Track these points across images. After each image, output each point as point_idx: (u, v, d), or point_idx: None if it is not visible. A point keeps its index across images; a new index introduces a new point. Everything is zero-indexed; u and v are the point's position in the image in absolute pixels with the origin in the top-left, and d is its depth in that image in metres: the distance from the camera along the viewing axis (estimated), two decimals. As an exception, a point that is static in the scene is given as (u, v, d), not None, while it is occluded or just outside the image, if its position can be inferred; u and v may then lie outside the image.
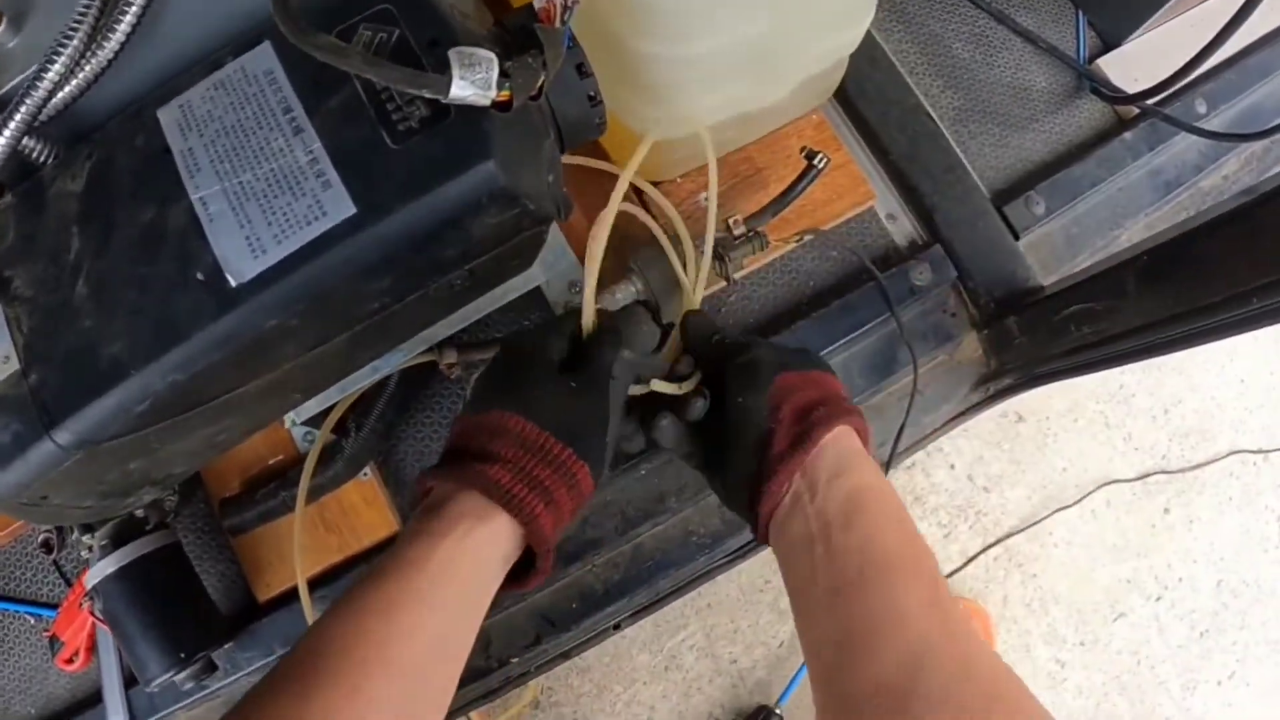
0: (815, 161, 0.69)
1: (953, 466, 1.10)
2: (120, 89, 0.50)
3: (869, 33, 0.80)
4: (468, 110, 0.44)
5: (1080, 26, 0.89)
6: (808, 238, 0.72)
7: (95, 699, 0.76)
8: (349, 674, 0.41)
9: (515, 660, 0.70)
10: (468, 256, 0.51)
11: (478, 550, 0.47)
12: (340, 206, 0.45)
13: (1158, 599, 1.10)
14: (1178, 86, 0.82)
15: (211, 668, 0.67)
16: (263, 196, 0.46)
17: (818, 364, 0.57)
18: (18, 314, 0.48)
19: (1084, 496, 1.10)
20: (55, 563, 0.80)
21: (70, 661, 0.76)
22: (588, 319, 0.55)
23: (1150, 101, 0.83)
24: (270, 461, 0.71)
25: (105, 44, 0.46)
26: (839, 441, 0.52)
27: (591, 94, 0.52)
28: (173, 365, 0.46)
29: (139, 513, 0.67)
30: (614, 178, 0.57)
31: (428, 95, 0.40)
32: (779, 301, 0.74)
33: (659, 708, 1.04)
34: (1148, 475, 1.11)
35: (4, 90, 0.49)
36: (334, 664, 0.41)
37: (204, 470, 0.72)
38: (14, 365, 0.47)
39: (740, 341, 0.58)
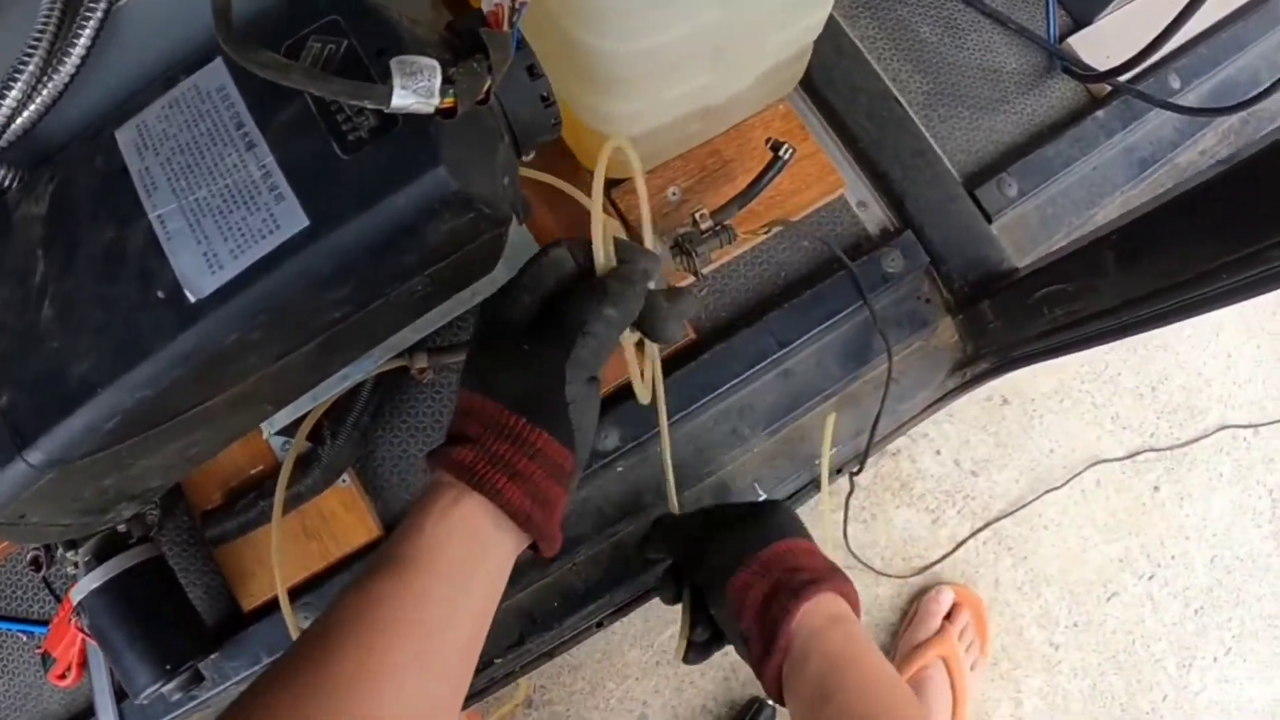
0: (781, 153, 0.70)
1: (939, 452, 1.11)
2: (80, 111, 0.51)
3: (834, 20, 0.81)
4: (415, 118, 0.45)
5: (1050, 5, 0.90)
6: (776, 229, 0.74)
7: (89, 713, 0.78)
8: (364, 634, 0.43)
9: (500, 660, 0.71)
10: (426, 262, 0.52)
11: (462, 522, 0.49)
12: (294, 219, 0.46)
13: (1150, 577, 1.12)
14: (1150, 62, 0.83)
15: (198, 678, 0.69)
16: (218, 212, 0.47)
17: (772, 530, 0.60)
18: None
19: (1073, 477, 1.11)
20: (44, 580, 0.82)
21: (63, 677, 0.78)
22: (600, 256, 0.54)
23: (1122, 79, 0.84)
24: (250, 472, 0.73)
25: (61, 67, 0.48)
26: (806, 623, 0.55)
27: (544, 95, 0.53)
28: (138, 382, 0.48)
29: (121, 528, 0.68)
30: (577, 178, 0.58)
31: (370, 106, 0.42)
32: (751, 294, 0.76)
33: (652, 703, 1.06)
34: (1136, 454, 1.13)
35: (-38, 117, 0.50)
36: (349, 629, 0.44)
37: (185, 483, 0.74)
38: None
39: (692, 548, 0.62)
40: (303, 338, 0.52)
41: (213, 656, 0.69)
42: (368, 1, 0.49)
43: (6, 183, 0.51)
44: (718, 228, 0.70)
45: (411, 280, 0.53)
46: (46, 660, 0.79)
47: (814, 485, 0.75)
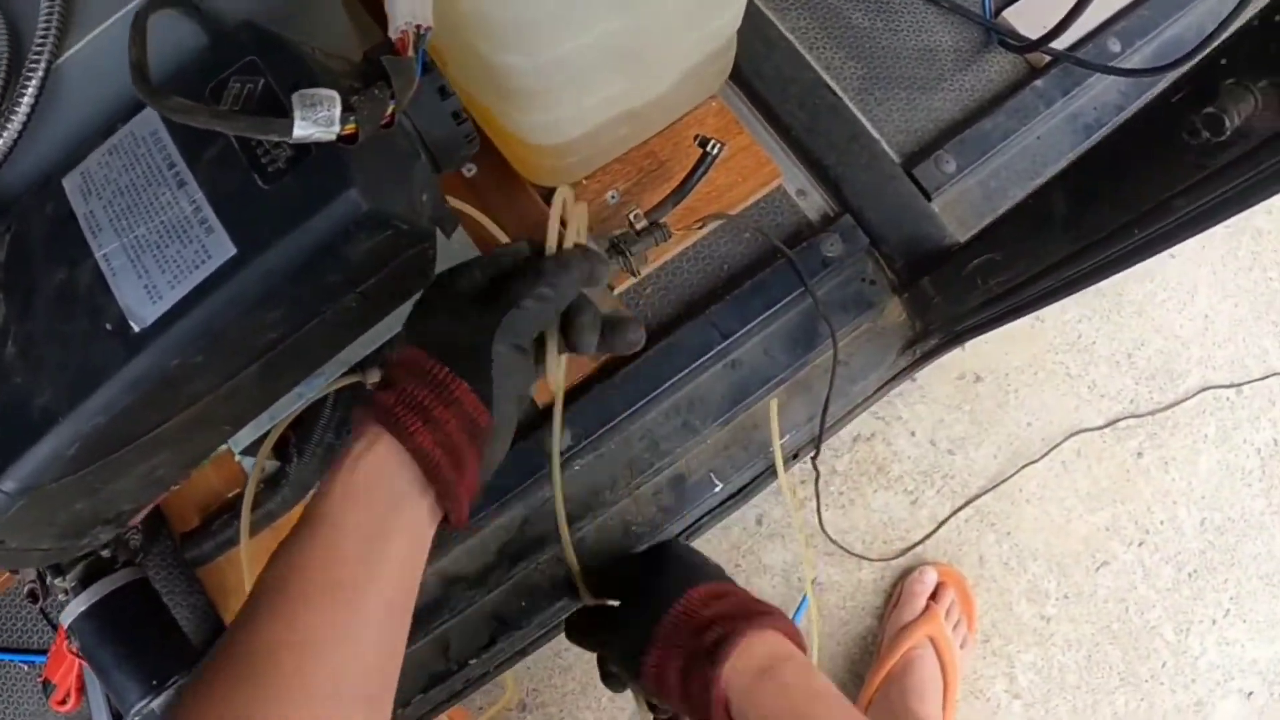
0: (709, 149, 0.75)
1: (913, 433, 1.15)
2: (30, 164, 0.57)
3: (760, 14, 0.86)
4: (327, 147, 0.51)
5: (983, -19, 0.94)
6: (713, 224, 0.78)
7: None
8: (282, 605, 0.47)
9: (474, 661, 0.76)
10: (354, 281, 0.57)
11: (374, 469, 0.51)
12: (222, 248, 0.52)
13: (1140, 544, 1.15)
14: (1090, 30, 0.87)
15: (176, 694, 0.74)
16: (156, 247, 0.53)
17: (664, 590, 0.62)
18: None
19: (1052, 449, 1.15)
20: (41, 610, 0.88)
21: (63, 703, 0.84)
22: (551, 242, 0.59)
23: (1060, 47, 0.88)
24: (226, 495, 0.78)
25: (9, 124, 0.54)
26: (735, 684, 0.56)
27: (455, 112, 0.59)
28: (94, 409, 0.53)
29: (105, 553, 0.74)
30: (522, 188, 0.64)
31: (275, 138, 0.47)
32: (695, 288, 0.80)
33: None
34: (1116, 421, 1.16)
35: (-79, 176, 0.56)
36: (270, 599, 0.47)
37: (165, 507, 0.79)
38: None
39: (604, 629, 0.66)
40: (244, 359, 0.57)
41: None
42: (285, 41, 0.55)
43: (-37, 235, 0.57)
44: (651, 226, 0.74)
45: (343, 298, 0.58)
46: (47, 687, 0.85)
47: (771, 472, 0.80)
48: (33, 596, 0.86)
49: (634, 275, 0.74)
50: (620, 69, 0.67)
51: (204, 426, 0.63)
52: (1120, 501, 1.15)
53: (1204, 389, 1.17)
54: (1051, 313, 1.15)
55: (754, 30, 0.81)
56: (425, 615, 0.75)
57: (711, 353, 0.76)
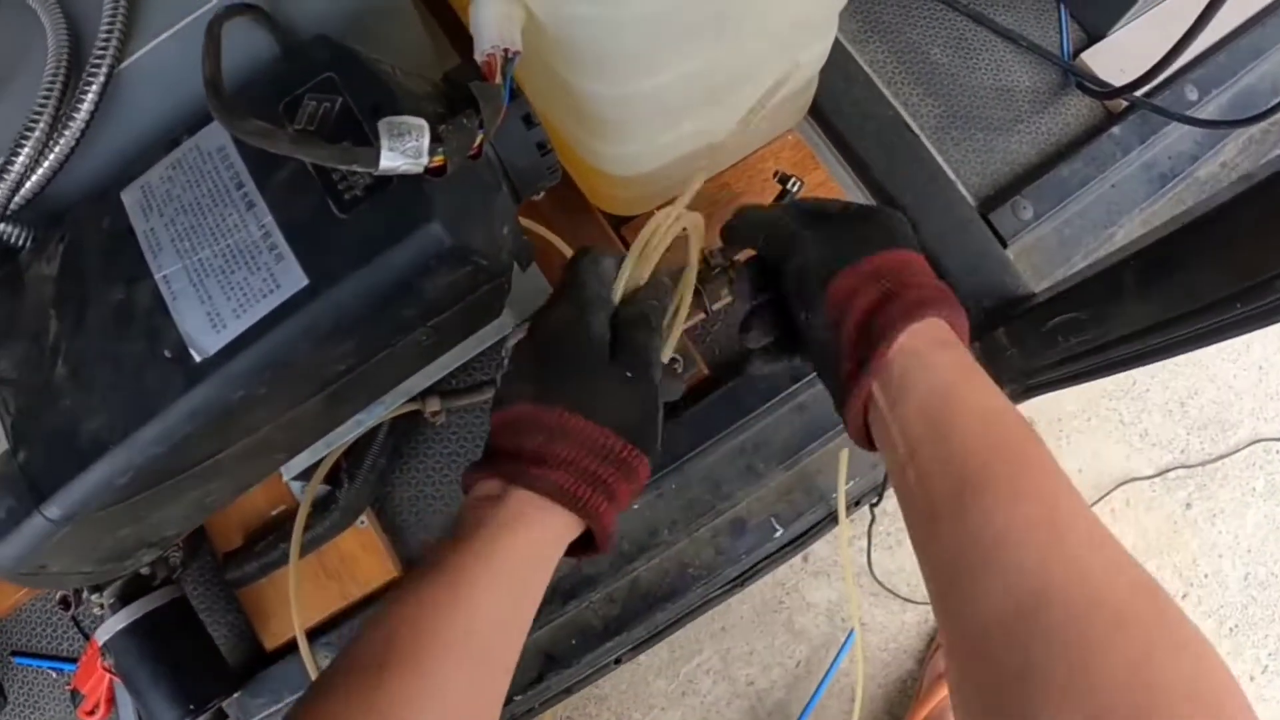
0: (789, 185, 0.69)
1: (965, 473, 1.09)
2: (88, 172, 0.52)
3: (841, 46, 0.80)
4: (409, 176, 0.45)
5: (1063, 21, 0.88)
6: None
7: None
8: (419, 659, 0.42)
9: (520, 698, 0.71)
10: (428, 315, 0.52)
11: (537, 544, 0.48)
12: (293, 278, 0.46)
13: (1183, 596, 1.08)
14: (1166, 75, 0.81)
15: (221, 716, 0.69)
16: (221, 272, 0.47)
17: (878, 237, 0.51)
18: (4, 396, 0.50)
19: (1102, 497, 1.08)
20: (74, 618, 0.83)
21: (91, 714, 0.79)
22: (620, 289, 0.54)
23: (1138, 93, 0.82)
24: (271, 514, 0.73)
25: (67, 130, 0.48)
26: (912, 343, 0.46)
27: (540, 142, 0.53)
28: (149, 439, 0.48)
29: (144, 570, 0.69)
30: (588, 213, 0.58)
31: (359, 169, 0.41)
32: None
33: (679, 732, 1.05)
34: (1167, 471, 1.09)
35: (-23, 181, 0.51)
36: (404, 650, 0.42)
37: (208, 525, 0.74)
38: (3, 445, 0.49)
39: (785, 235, 0.53)
40: (309, 391, 0.52)
41: (235, 695, 0.69)
42: (362, 57, 0.49)
43: (19, 243, 0.51)
44: (726, 264, 0.68)
45: (414, 332, 0.53)
46: (76, 697, 0.80)
47: (832, 519, 0.73)
48: (65, 604, 0.81)
49: (706, 314, 0.68)
50: (703, 106, 0.61)
51: (260, 454, 0.57)
52: (1166, 552, 1.09)
53: (1255, 441, 1.10)
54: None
55: (834, 64, 0.75)
56: None
57: (780, 395, 0.70)
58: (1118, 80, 0.84)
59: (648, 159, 0.64)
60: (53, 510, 0.48)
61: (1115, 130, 0.82)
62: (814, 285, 0.50)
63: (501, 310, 0.60)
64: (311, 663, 0.66)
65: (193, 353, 0.47)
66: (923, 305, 0.47)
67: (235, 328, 0.47)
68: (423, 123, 0.43)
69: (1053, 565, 0.37)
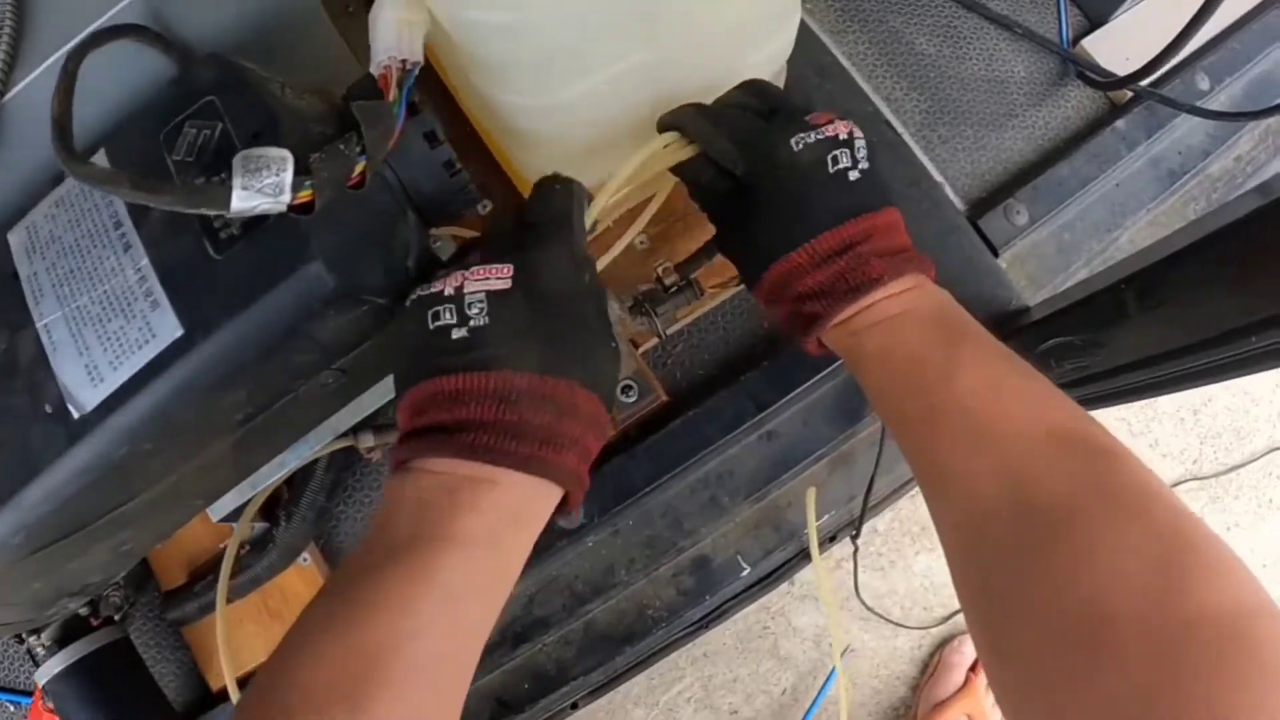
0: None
1: (968, 487, 1.03)
2: (-22, 214, 0.49)
3: (815, 37, 0.75)
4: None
5: (1062, 5, 0.81)
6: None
7: None
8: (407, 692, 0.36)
9: None
10: (329, 358, 0.48)
11: (530, 535, 0.43)
12: (168, 327, 0.43)
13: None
14: (1175, 62, 0.74)
15: None
16: (98, 321, 0.45)
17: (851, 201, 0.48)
18: None
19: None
20: (28, 651, 0.81)
21: (45, 751, 0.78)
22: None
23: (1144, 82, 0.75)
24: (218, 548, 0.71)
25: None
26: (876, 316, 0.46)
27: (447, 161, 0.49)
28: (35, 499, 0.46)
29: (83, 611, 0.67)
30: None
31: (210, 213, 0.38)
32: (730, 349, 0.70)
33: (665, 762, 1.01)
34: (1179, 483, 1.02)
35: None
36: (388, 679, 0.36)
37: (152, 562, 0.72)
38: None
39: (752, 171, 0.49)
40: (206, 441, 0.49)
41: None
42: (250, 78, 0.45)
43: (-98, 291, 0.48)
44: (683, 283, 0.64)
45: (316, 375, 0.49)
46: None
47: (804, 555, 0.69)
48: (19, 638, 0.79)
49: (659, 337, 0.63)
50: (645, 107, 0.56)
51: (171, 503, 0.54)
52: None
53: (1272, 450, 1.03)
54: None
55: (806, 56, 0.70)
56: None
57: (746, 424, 0.66)
58: (1122, 69, 0.77)
59: (587, 171, 0.59)
60: None
61: (1119, 124, 0.76)
62: (749, 268, 0.50)
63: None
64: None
65: (71, 409, 0.44)
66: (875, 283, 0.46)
67: (112, 381, 0.44)
68: (285, 154, 0.39)
69: None
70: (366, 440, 0.62)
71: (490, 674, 0.67)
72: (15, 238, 0.48)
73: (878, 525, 0.99)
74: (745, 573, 0.67)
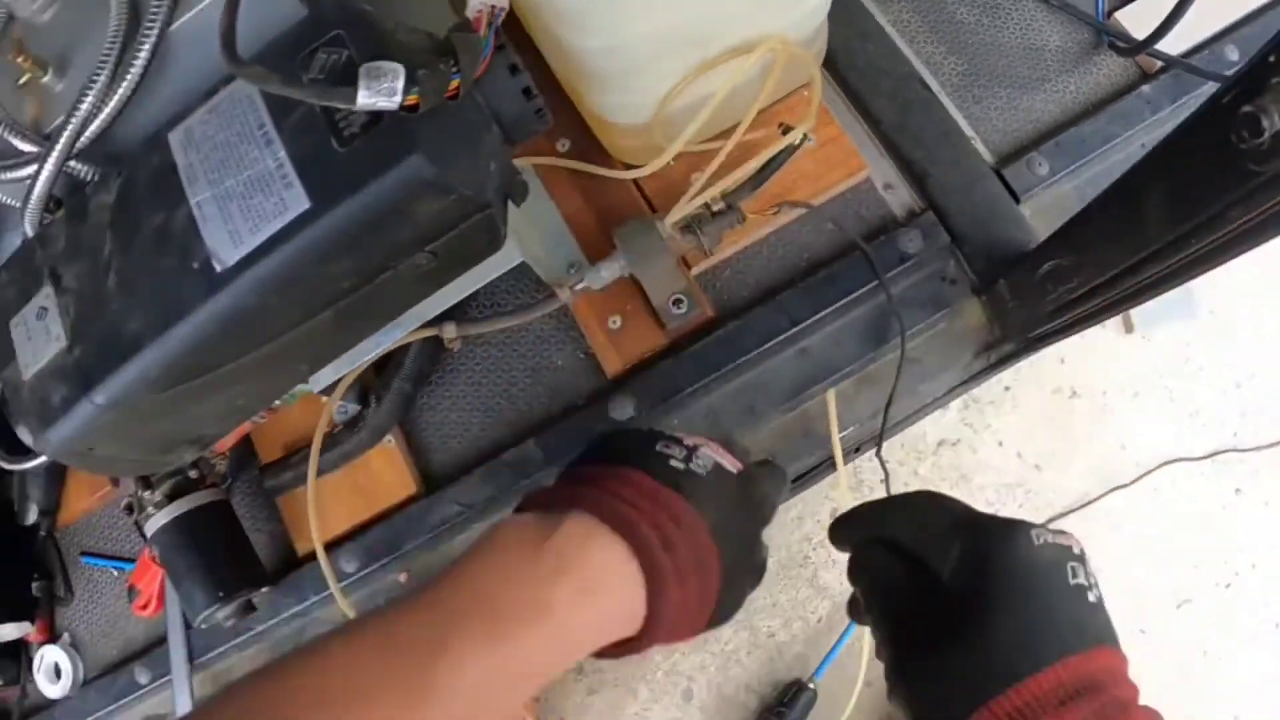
0: (793, 139, 0.76)
1: (1001, 443, 1.13)
2: (142, 120, 0.64)
3: (860, 6, 0.86)
4: (396, 116, 0.55)
5: (1100, -22, 0.91)
6: (790, 211, 0.79)
7: (159, 644, 0.94)
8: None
9: None
10: (422, 240, 0.61)
11: (619, 608, 0.48)
12: (298, 202, 0.56)
13: (1227, 586, 1.09)
14: (1209, 36, 0.83)
15: (250, 608, 0.81)
16: (241, 197, 0.59)
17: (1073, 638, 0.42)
18: (66, 303, 0.62)
19: (1144, 475, 1.10)
20: (135, 523, 0.97)
21: (144, 608, 0.94)
22: None
23: (1176, 53, 0.85)
24: (312, 432, 0.84)
25: (124, 82, 0.60)
26: None
27: (526, 88, 0.62)
28: (178, 339, 0.59)
29: (193, 474, 0.81)
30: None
31: (339, 105, 0.52)
32: (772, 275, 0.81)
33: (697, 678, 1.13)
34: (1216, 454, 1.10)
35: (54, 125, 0.64)
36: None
37: (255, 440, 0.86)
38: (63, 343, 0.61)
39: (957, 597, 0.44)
40: (317, 305, 0.62)
41: (265, 591, 0.81)
42: (370, 17, 0.59)
43: (87, 178, 0.64)
44: (726, 209, 0.76)
45: (412, 256, 0.63)
46: (132, 593, 0.94)
47: (831, 463, 0.80)
48: (129, 509, 0.95)
49: (707, 254, 0.76)
50: (691, 56, 0.69)
51: (281, 364, 0.68)
52: (1211, 539, 1.10)
53: (1312, 430, 1.10)
54: (1161, 330, 1.11)
55: (850, 20, 0.81)
56: None
57: (781, 338, 0.77)
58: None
59: (646, 109, 0.72)
60: (99, 397, 0.59)
61: (1145, 88, 0.85)
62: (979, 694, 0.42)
63: (501, 243, 0.69)
64: (329, 569, 0.77)
65: (215, 264, 0.58)
66: None
67: (250, 243, 0.58)
68: (399, 66, 0.53)
69: None
70: (449, 330, 0.75)
71: None
72: (174, 137, 0.62)
73: (918, 469, 1.10)
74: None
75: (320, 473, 0.80)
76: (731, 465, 0.54)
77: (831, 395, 0.75)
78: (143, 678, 0.93)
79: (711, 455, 0.53)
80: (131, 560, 0.97)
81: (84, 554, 1.03)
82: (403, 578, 0.83)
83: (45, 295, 0.63)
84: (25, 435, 0.62)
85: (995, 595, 0.41)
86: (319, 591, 0.81)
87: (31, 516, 1.01)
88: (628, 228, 0.74)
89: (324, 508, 0.81)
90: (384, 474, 0.80)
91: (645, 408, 0.76)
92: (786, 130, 0.76)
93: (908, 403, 0.79)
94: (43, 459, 0.93)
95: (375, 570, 0.80)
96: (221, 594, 0.77)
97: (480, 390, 0.82)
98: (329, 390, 0.76)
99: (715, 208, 0.76)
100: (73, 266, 0.62)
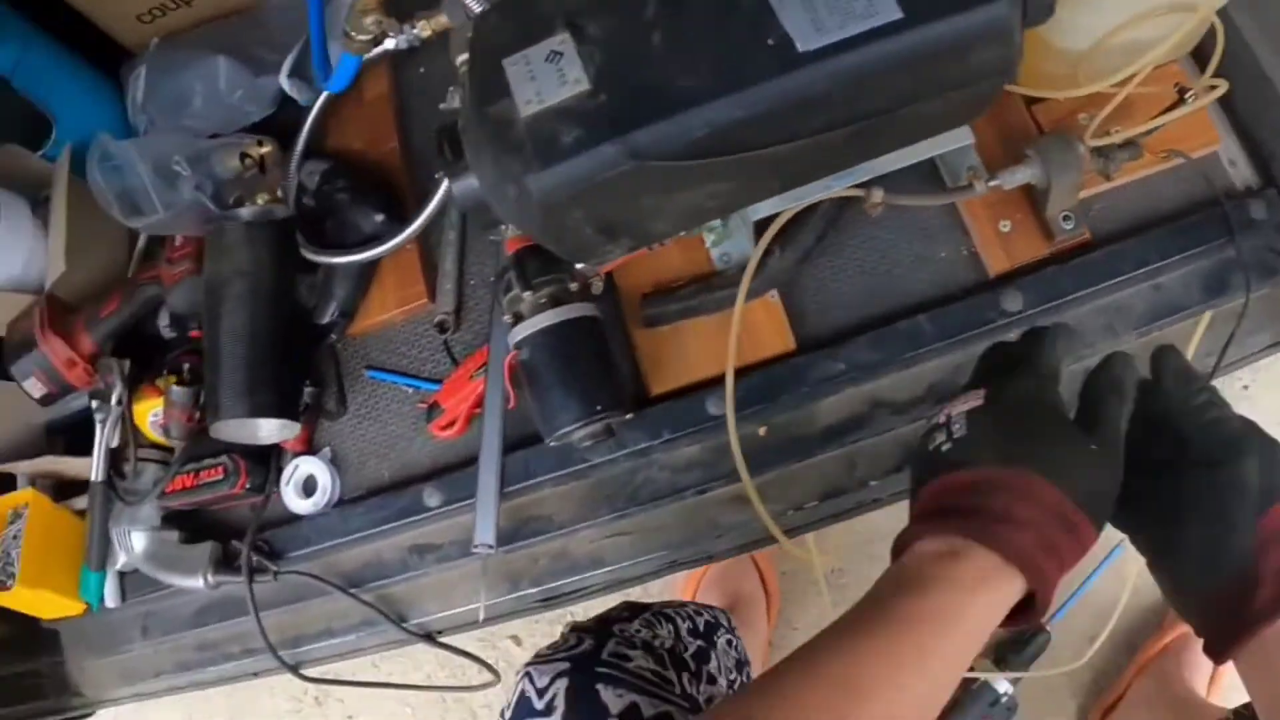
0: (1185, 97, 0.85)
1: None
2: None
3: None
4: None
5: None
6: (1175, 159, 0.89)
7: (451, 469, 1.00)
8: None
9: (874, 483, 0.89)
10: (950, 85, 0.68)
11: (987, 608, 0.55)
12: (889, 10, 0.64)
13: None
14: None
15: (609, 432, 0.86)
16: (834, -7, 0.64)
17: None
18: (590, 51, 0.67)
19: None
20: (445, 343, 1.00)
21: (447, 428, 0.96)
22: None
23: None
24: (685, 275, 0.94)
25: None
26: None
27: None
28: (736, 104, 0.66)
29: (573, 287, 0.85)
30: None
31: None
32: (1137, 213, 0.93)
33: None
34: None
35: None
36: (866, 700, 0.52)
37: (622, 273, 0.95)
38: (583, 87, 0.66)
39: (1217, 432, 0.63)
40: (852, 116, 0.69)
41: (626, 418, 0.87)
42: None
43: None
44: (1127, 143, 0.84)
45: (939, 97, 0.69)
46: (433, 411, 1.01)
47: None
48: (442, 328, 0.98)
49: (1107, 179, 0.84)
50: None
51: (776, 170, 0.76)
52: None
53: None
54: None
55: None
56: (842, 430, 0.90)
57: (1143, 270, 0.88)
58: None
59: (1091, 36, 0.80)
60: (623, 144, 0.64)
61: None
62: (1245, 510, 0.60)
63: (979, 115, 0.75)
64: (731, 395, 0.84)
65: (796, 44, 0.63)
66: None
67: (835, 35, 0.66)
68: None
69: None
70: (877, 195, 0.82)
71: (909, 425, 0.88)
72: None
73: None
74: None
75: (700, 313, 0.84)
76: (976, 400, 0.63)
77: (1205, 319, 0.82)
78: (432, 500, 0.99)
79: (960, 408, 0.63)
80: (431, 380, 0.99)
81: (370, 368, 1.08)
82: (762, 431, 0.91)
83: (561, 41, 0.67)
84: (513, 167, 0.66)
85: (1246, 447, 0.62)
86: (675, 430, 0.91)
87: (329, 315, 1.06)
88: (1047, 141, 0.82)
89: (692, 350, 0.89)
90: (764, 326, 0.89)
91: (1031, 305, 0.83)
92: (1183, 91, 0.84)
93: (1234, 350, 0.88)
94: (358, 256, 0.95)
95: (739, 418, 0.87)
96: (589, 412, 0.83)
97: (864, 267, 0.95)
98: (761, 226, 0.81)
99: (1119, 141, 0.84)
100: (601, 19, 0.68)
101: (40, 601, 1.14)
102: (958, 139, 0.84)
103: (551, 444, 0.86)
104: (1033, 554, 0.55)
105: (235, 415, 0.96)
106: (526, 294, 0.86)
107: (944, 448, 0.61)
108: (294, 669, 1.10)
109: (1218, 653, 0.60)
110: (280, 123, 1.13)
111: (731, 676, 0.96)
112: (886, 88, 0.68)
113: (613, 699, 0.71)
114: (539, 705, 0.72)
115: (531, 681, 0.75)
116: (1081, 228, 0.89)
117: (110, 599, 1.16)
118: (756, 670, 1.12)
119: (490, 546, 0.93)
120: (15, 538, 1.10)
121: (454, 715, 1.63)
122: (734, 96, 0.66)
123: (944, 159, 0.90)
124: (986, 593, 0.55)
